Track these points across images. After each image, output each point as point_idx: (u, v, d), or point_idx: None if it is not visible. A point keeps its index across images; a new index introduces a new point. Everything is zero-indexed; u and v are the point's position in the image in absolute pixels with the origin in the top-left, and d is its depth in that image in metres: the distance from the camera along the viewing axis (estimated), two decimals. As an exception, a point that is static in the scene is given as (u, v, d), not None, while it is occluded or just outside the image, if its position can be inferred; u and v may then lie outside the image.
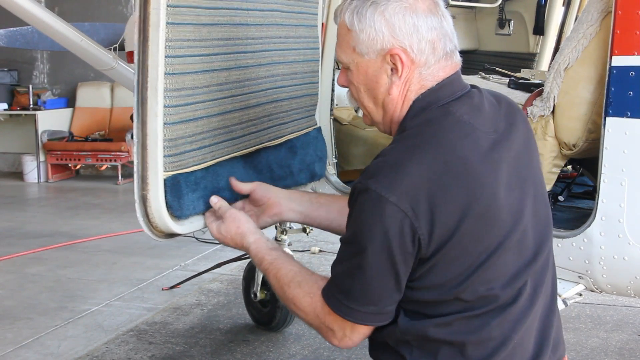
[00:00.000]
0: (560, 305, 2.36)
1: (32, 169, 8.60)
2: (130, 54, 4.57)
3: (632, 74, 2.18)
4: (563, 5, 4.76)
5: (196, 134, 1.94)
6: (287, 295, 1.60)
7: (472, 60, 5.01)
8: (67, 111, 9.12)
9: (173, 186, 1.86)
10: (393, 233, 1.37)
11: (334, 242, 4.99)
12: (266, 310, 3.76)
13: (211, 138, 2.01)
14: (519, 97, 3.19)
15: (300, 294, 1.57)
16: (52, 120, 8.77)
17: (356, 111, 3.82)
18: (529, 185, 1.54)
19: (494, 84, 3.85)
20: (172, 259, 5.12)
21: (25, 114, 8.81)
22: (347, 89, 1.62)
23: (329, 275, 1.53)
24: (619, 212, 2.23)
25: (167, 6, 1.77)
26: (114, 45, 4.46)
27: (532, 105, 2.52)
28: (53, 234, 5.96)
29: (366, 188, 1.40)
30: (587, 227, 2.31)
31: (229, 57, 2.08)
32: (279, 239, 3.51)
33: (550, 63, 2.64)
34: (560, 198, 2.78)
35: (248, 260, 4.03)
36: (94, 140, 8.64)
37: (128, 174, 8.42)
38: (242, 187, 2.02)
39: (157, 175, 1.83)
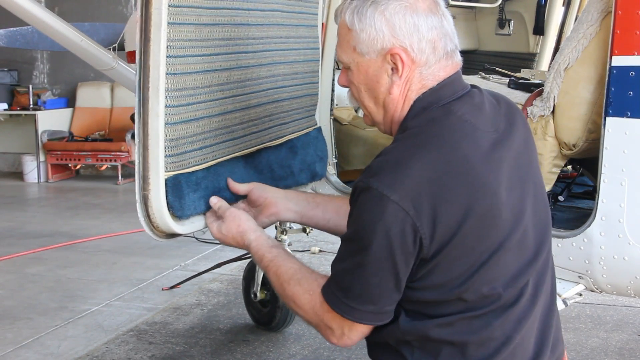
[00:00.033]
0: (560, 305, 2.37)
1: (32, 169, 8.60)
2: (130, 54, 4.57)
3: (632, 74, 2.18)
4: (563, 5, 4.76)
5: (197, 134, 1.94)
6: (287, 293, 1.61)
7: (472, 60, 5.02)
8: (67, 111, 9.12)
9: (174, 186, 1.86)
10: (394, 232, 1.36)
11: (334, 242, 4.99)
12: (266, 310, 3.76)
13: (212, 138, 2.01)
14: (519, 97, 3.19)
15: (300, 291, 1.58)
16: (52, 120, 8.77)
17: (356, 111, 3.83)
18: (529, 185, 1.54)
19: (494, 84, 3.86)
20: (172, 259, 5.12)
21: (25, 114, 8.82)
22: (348, 89, 1.62)
23: (329, 273, 1.53)
24: (619, 212, 2.24)
25: (169, 6, 1.77)
26: (114, 45, 4.46)
27: (532, 105, 2.52)
28: (53, 234, 5.96)
29: (368, 186, 1.39)
30: (587, 227, 2.32)
31: (230, 57, 2.08)
32: (279, 239, 3.51)
33: (550, 63, 2.64)
34: (560, 198, 2.78)
35: (248, 260, 4.04)
36: (94, 140, 8.64)
37: (128, 174, 8.42)
38: (240, 187, 2.03)
39: (159, 176, 1.83)
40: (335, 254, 1.51)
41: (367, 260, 1.41)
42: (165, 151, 1.83)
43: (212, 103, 2.00)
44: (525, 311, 1.49)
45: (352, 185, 1.46)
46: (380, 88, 1.53)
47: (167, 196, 1.85)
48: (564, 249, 2.37)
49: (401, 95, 1.52)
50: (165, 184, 1.85)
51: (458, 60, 1.55)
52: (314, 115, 2.73)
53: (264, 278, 3.58)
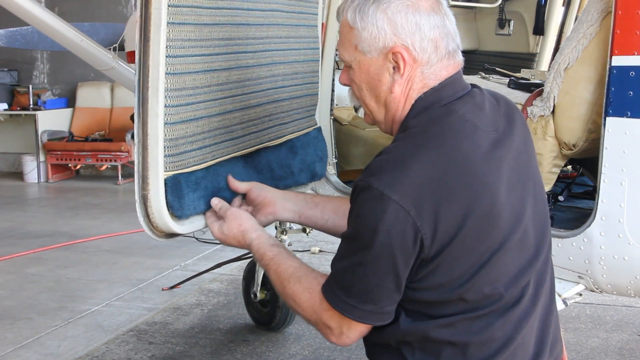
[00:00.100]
0: (560, 305, 2.36)
1: (32, 169, 8.60)
2: (130, 54, 4.57)
3: (632, 74, 2.18)
4: (563, 5, 4.76)
5: (197, 133, 1.94)
6: (287, 291, 1.61)
7: (472, 60, 5.02)
8: (67, 111, 9.12)
9: (174, 186, 1.86)
10: (395, 232, 1.36)
11: (334, 242, 4.98)
12: (266, 310, 3.76)
13: (212, 138, 2.01)
14: (519, 97, 3.19)
15: (300, 289, 1.58)
16: (52, 120, 8.78)
17: (356, 111, 3.83)
18: (528, 184, 1.54)
19: (494, 84, 3.86)
20: (172, 259, 5.12)
21: (25, 114, 8.82)
22: (349, 88, 1.62)
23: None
24: (619, 212, 2.23)
25: (169, 6, 1.77)
26: (114, 45, 4.45)
27: (532, 105, 2.52)
28: (53, 234, 5.96)
29: (368, 186, 1.39)
30: (587, 227, 2.31)
31: (230, 57, 2.08)
32: (279, 239, 3.51)
33: (550, 63, 2.64)
34: (560, 198, 2.78)
35: (248, 260, 4.04)
36: (94, 140, 8.64)
37: (128, 174, 8.42)
38: (239, 185, 2.03)
39: (158, 175, 1.83)
40: (335, 253, 1.51)
41: (367, 260, 1.40)
42: (165, 151, 1.83)
43: (211, 103, 2.00)
44: (526, 311, 1.49)
45: (353, 184, 1.46)
46: (381, 87, 1.53)
47: (166, 196, 1.85)
48: (564, 249, 2.37)
49: (402, 94, 1.52)
50: (165, 183, 1.85)
51: (460, 59, 1.54)
52: (313, 115, 2.73)
53: (264, 278, 3.58)
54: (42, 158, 8.57)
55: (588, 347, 3.60)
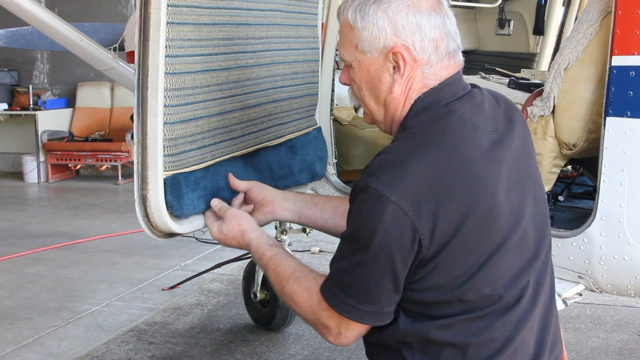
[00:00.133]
0: (560, 305, 2.36)
1: (32, 169, 8.60)
2: (130, 54, 4.57)
3: (632, 73, 2.18)
4: (563, 5, 4.76)
5: (196, 133, 1.94)
6: (285, 291, 1.61)
7: (472, 60, 5.02)
8: (67, 111, 9.12)
9: (173, 186, 1.86)
10: (393, 233, 1.36)
11: (334, 242, 4.97)
12: (266, 310, 3.76)
13: (211, 138, 2.01)
14: (519, 97, 3.19)
15: (298, 289, 1.58)
16: (52, 120, 8.77)
17: (356, 110, 3.83)
18: (528, 184, 1.54)
19: (494, 84, 3.86)
20: (172, 259, 5.12)
21: (25, 114, 8.82)
22: (349, 87, 1.62)
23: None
24: (619, 212, 2.23)
25: (168, 6, 1.77)
26: (114, 45, 4.46)
27: (532, 105, 2.52)
28: (53, 234, 5.96)
29: (367, 186, 1.39)
30: (587, 227, 2.31)
31: (229, 56, 2.08)
32: (279, 239, 3.51)
33: (550, 63, 2.64)
34: (560, 198, 2.78)
35: (248, 260, 4.03)
36: (94, 140, 8.64)
37: (128, 174, 8.42)
38: (239, 184, 2.03)
39: (157, 175, 1.83)
40: (334, 252, 1.51)
41: (366, 260, 1.40)
42: (164, 151, 1.83)
43: (211, 103, 2.00)
44: (526, 311, 1.49)
45: (352, 184, 1.46)
46: (381, 87, 1.53)
47: (165, 196, 1.85)
48: (564, 249, 2.37)
49: (402, 94, 1.52)
50: (164, 183, 1.85)
51: (460, 60, 1.54)
52: (313, 115, 2.72)
53: (264, 278, 3.58)
54: (42, 158, 8.57)
55: (588, 347, 3.60)
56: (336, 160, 3.16)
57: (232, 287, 4.50)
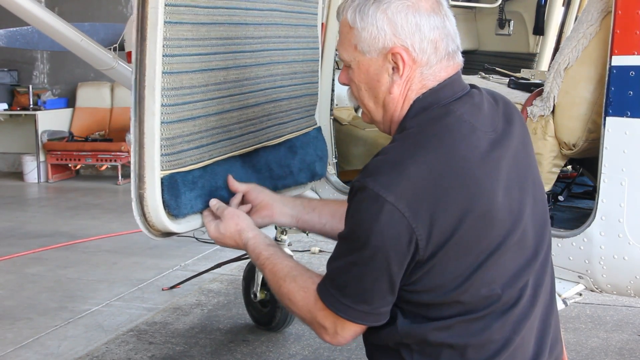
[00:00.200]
0: (560, 305, 2.36)
1: (32, 169, 8.60)
2: (130, 53, 4.57)
3: (632, 73, 2.18)
4: (563, 5, 4.76)
5: (194, 133, 1.94)
6: (282, 290, 1.60)
7: (472, 60, 5.02)
8: (67, 111, 9.13)
9: (170, 185, 1.86)
10: (389, 233, 1.36)
11: (334, 243, 4.98)
12: (266, 310, 3.76)
13: (209, 137, 2.01)
14: (519, 97, 3.18)
15: (295, 288, 1.57)
16: (52, 120, 8.78)
17: (356, 110, 3.82)
18: (527, 184, 1.53)
19: (494, 84, 3.85)
20: (172, 259, 5.12)
21: (25, 114, 8.82)
22: (348, 87, 1.62)
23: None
24: (619, 212, 2.23)
25: (165, 5, 1.76)
26: (114, 45, 4.46)
27: (532, 105, 2.52)
28: (53, 234, 5.96)
29: (364, 186, 1.39)
30: (587, 227, 2.31)
31: (228, 56, 2.07)
32: (279, 239, 3.51)
33: (550, 63, 2.63)
34: (560, 198, 2.78)
35: (248, 260, 4.03)
36: (94, 140, 8.65)
37: (128, 174, 8.26)
38: (239, 186, 2.03)
39: (154, 174, 1.82)
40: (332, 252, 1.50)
41: (362, 260, 1.40)
42: (161, 150, 1.83)
43: (209, 102, 1.99)
44: (524, 312, 1.49)
45: (350, 184, 1.46)
46: (380, 87, 1.52)
47: (163, 195, 1.85)
48: (564, 248, 2.37)
49: (401, 95, 1.51)
50: (161, 182, 1.84)
51: (459, 60, 1.54)
52: (313, 115, 2.72)
53: (264, 278, 3.58)
54: (42, 158, 8.57)
55: (588, 347, 3.60)
56: (336, 160, 3.15)
57: (232, 287, 4.50)
